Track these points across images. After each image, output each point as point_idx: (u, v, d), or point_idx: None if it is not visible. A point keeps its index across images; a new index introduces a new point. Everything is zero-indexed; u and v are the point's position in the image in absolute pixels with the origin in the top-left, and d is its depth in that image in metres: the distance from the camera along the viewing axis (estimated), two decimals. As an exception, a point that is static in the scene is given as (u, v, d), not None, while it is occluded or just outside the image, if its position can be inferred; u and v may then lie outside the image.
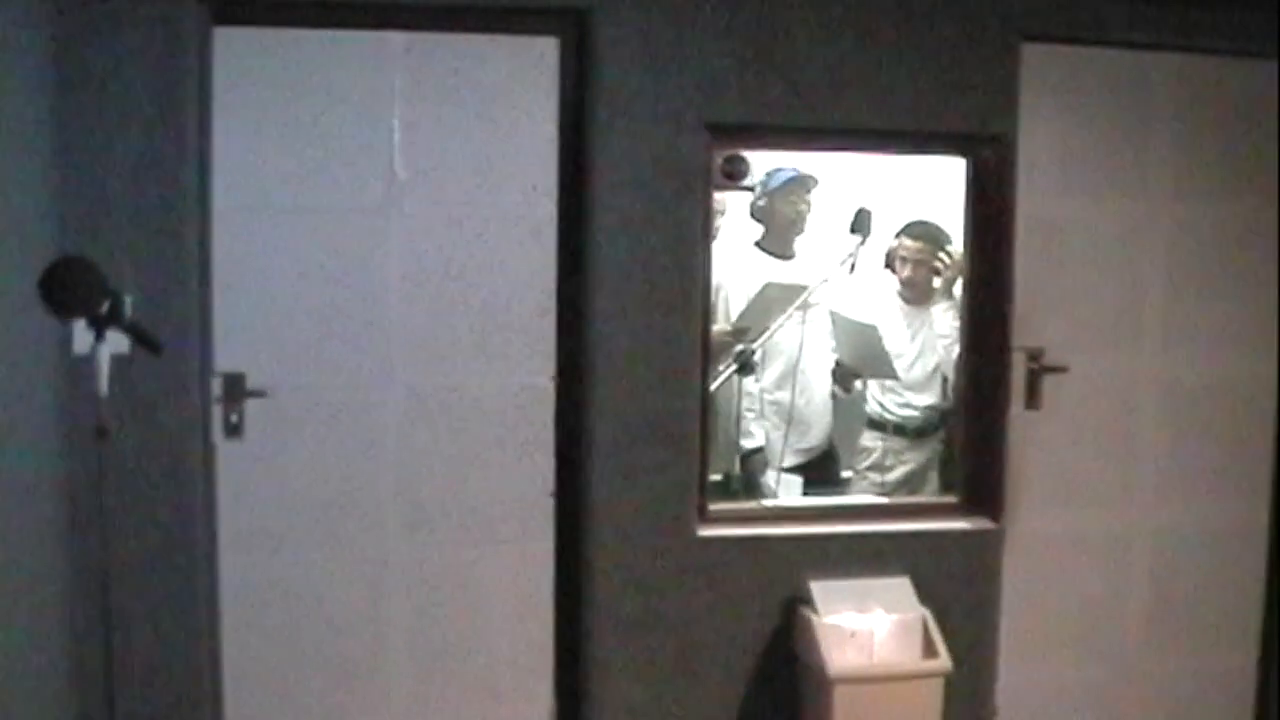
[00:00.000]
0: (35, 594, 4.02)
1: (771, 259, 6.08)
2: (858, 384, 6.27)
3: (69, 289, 3.37)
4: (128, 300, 3.86)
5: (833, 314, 6.07)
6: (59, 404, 4.22)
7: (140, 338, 3.60)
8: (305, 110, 4.65)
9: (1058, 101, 5.15)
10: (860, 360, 6.17)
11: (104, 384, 3.49)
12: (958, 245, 5.71)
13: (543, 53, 4.80)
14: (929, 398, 6.18)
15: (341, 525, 4.79)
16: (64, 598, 4.26)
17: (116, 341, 3.54)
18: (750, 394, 6.00)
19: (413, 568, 4.86)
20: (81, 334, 3.70)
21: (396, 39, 4.69)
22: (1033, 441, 5.23)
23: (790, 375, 6.04)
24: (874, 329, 6.01)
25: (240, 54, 4.57)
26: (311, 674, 4.82)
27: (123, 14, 4.38)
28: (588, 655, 4.98)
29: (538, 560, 4.93)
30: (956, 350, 5.64)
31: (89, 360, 3.52)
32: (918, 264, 6.13)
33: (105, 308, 3.44)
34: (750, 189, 5.99)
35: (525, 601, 4.94)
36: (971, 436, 5.38)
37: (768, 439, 6.07)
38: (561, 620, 5.00)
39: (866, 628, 4.95)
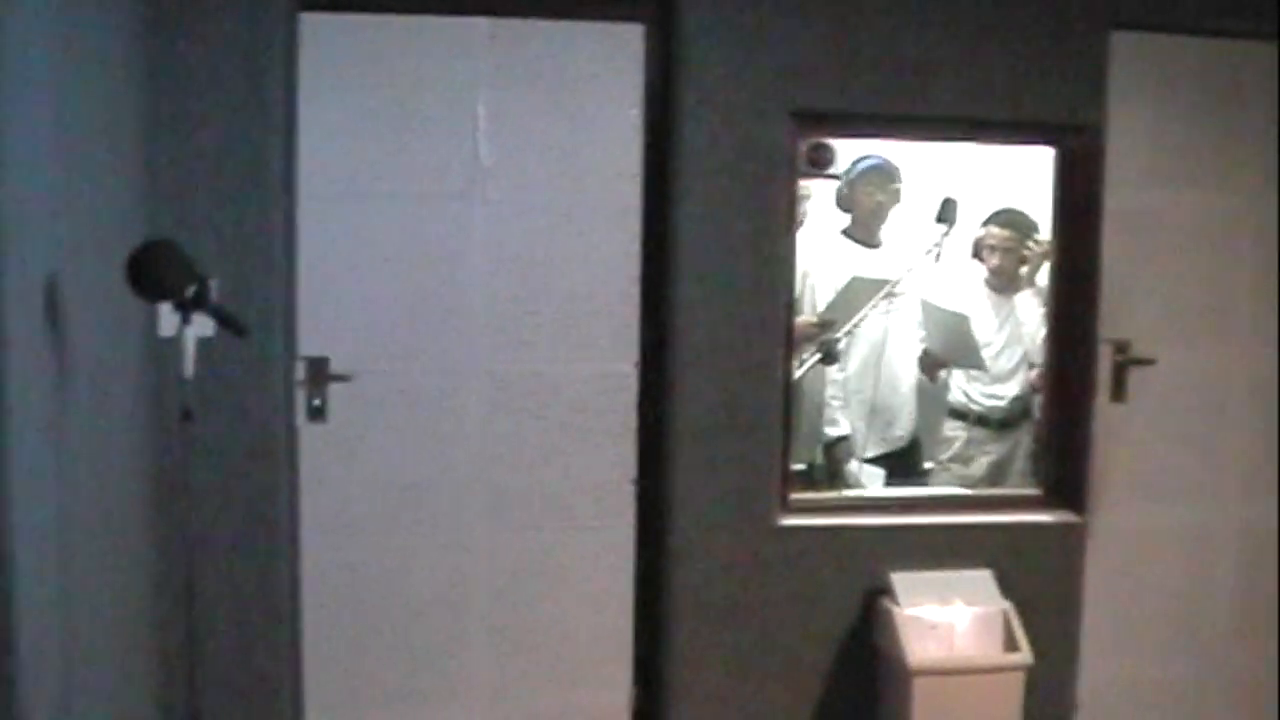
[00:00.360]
0: (122, 573, 4.01)
1: (858, 247, 6.02)
2: (943, 373, 6.20)
3: (156, 272, 3.36)
4: (213, 284, 3.84)
5: (923, 303, 6.00)
6: (145, 386, 4.22)
7: (225, 321, 3.58)
8: (390, 96, 4.62)
9: (1147, 91, 5.03)
10: (949, 349, 6.09)
11: (189, 367, 3.47)
12: (1044, 233, 5.62)
13: (628, 39, 4.74)
14: (1014, 388, 6.08)
15: (423, 510, 4.76)
16: (149, 578, 4.26)
17: (202, 324, 3.53)
18: (834, 383, 5.94)
19: (494, 553, 4.82)
20: (167, 317, 3.68)
21: (481, 24, 4.64)
22: (1118, 434, 5.11)
23: (875, 365, 5.97)
24: (965, 318, 5.93)
25: (326, 39, 4.54)
26: (391, 657, 4.80)
27: (210, 1, 4.36)
28: (667, 642, 4.93)
29: (619, 547, 4.88)
30: (1040, 338, 5.56)
31: (175, 343, 3.51)
32: (1006, 253, 6.04)
33: (191, 291, 3.42)
34: (836, 177, 5.93)
35: (606, 588, 4.90)
36: (1056, 428, 5.28)
37: (851, 428, 6.01)
38: (641, 607, 4.95)
39: (947, 620, 4.87)
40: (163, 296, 3.43)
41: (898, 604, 4.87)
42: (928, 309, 6.01)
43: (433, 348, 4.71)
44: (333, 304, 4.62)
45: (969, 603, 4.92)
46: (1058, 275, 5.26)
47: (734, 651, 4.95)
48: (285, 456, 4.57)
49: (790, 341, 5.01)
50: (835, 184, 6.02)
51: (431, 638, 4.83)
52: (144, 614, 4.23)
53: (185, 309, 3.43)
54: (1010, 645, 4.87)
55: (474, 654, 4.86)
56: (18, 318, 2.94)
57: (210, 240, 4.32)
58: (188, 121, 4.37)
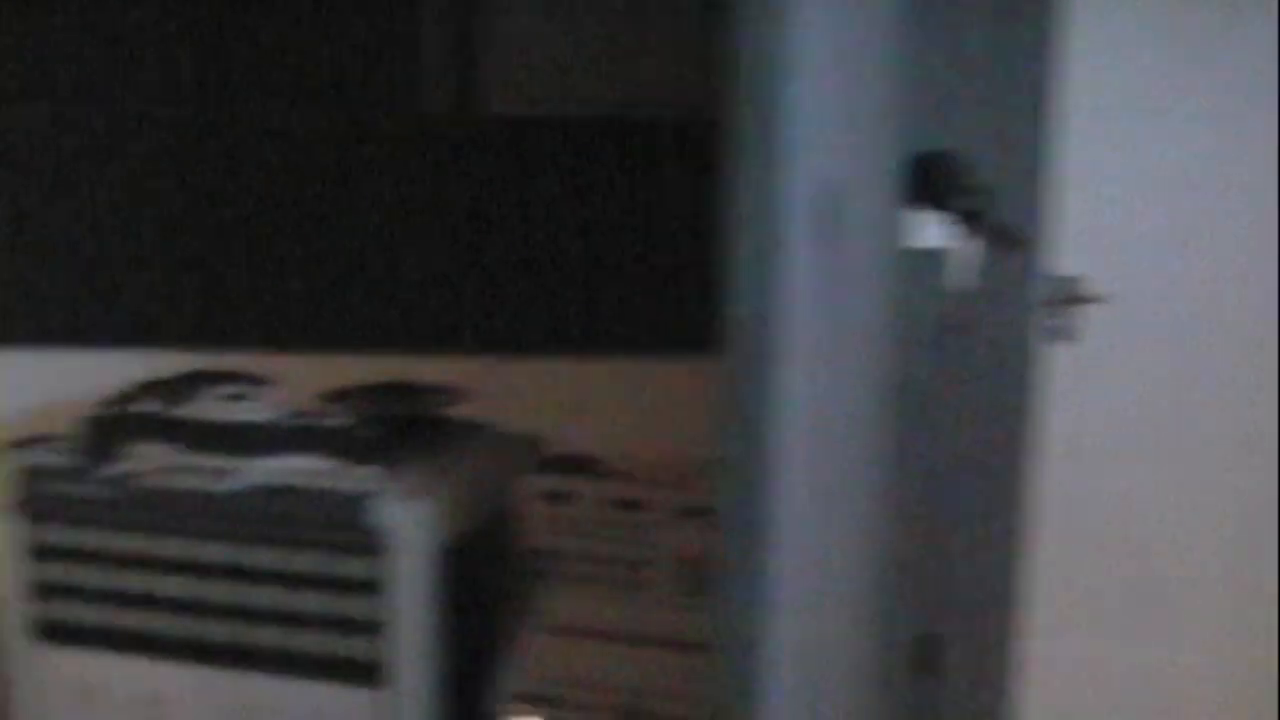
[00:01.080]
0: (863, 484, 3.96)
1: None
2: None
3: (939, 181, 3.24)
4: (992, 196, 3.69)
5: None
6: (901, 297, 4.11)
7: (1004, 235, 3.39)
8: (1161, 10, 4.28)
9: None
10: None
11: (963, 280, 3.34)
12: None
13: None
14: None
15: (1165, 443, 4.48)
16: (888, 490, 4.19)
17: (959, 236, 3.38)
18: None
19: (1232, 494, 4.48)
20: (935, 227, 3.55)
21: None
22: None
23: None
24: None
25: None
26: (1115, 589, 4.59)
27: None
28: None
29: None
30: None
31: (937, 255, 3.37)
32: None
33: (972, 202, 3.27)
34: None
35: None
36: None
37: None
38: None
39: None
40: (943, 206, 3.30)
41: None
42: None
43: (1196, 275, 4.39)
44: (1090, 221, 4.30)
45: None
46: None
47: None
48: (1031, 376, 4.36)
49: None
50: None
51: (1157, 573, 4.57)
52: (881, 521, 4.18)
53: (964, 221, 3.28)
54: None
55: (1203, 592, 4.56)
56: (797, 222, 2.90)
57: (971, 147, 4.14)
58: (953, 27, 4.18)
